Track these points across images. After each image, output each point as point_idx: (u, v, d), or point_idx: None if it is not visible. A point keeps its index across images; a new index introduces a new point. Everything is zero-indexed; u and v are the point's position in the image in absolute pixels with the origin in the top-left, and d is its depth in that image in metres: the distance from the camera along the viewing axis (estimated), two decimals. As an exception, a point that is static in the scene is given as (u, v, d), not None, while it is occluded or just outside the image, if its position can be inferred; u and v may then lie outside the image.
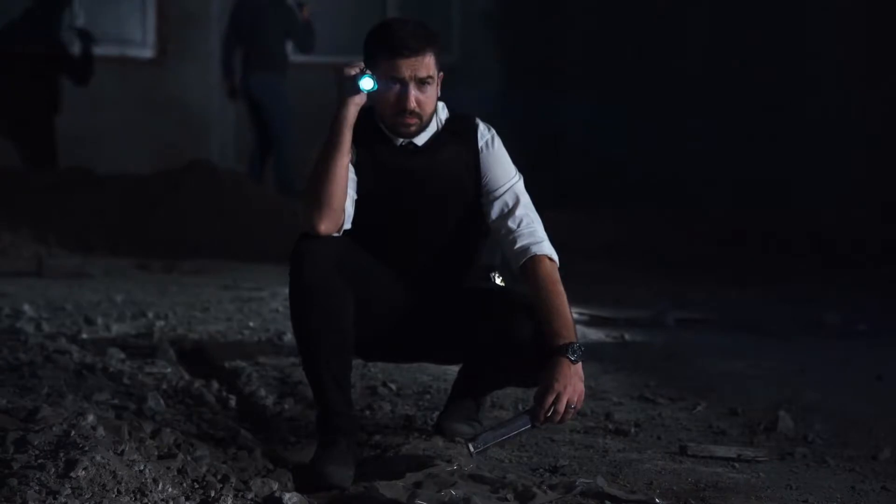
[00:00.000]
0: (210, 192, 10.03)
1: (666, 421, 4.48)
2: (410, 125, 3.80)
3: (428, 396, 4.74)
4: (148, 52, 13.08)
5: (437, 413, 4.36)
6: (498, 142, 3.92)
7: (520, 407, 4.51)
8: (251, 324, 6.26)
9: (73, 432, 3.48)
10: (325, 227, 3.71)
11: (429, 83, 3.77)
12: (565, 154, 12.61)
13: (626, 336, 6.15)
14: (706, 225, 10.22)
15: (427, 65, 3.75)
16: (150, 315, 6.43)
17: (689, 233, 10.10)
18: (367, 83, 3.68)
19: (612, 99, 12.24)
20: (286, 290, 7.19)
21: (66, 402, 4.00)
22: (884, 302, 7.39)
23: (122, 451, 3.40)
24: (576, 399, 3.62)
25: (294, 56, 11.80)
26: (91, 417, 3.62)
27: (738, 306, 7.29)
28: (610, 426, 4.34)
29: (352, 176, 3.82)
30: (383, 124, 3.84)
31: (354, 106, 3.72)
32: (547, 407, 3.60)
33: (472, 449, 3.61)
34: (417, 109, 3.77)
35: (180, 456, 3.62)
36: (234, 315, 6.55)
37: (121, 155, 12.17)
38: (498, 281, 4.04)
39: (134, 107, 12.77)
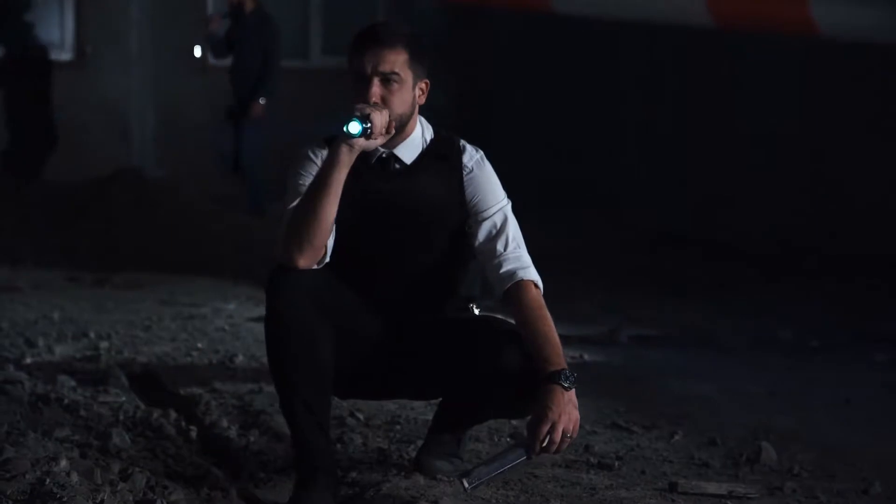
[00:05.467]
0: (139, 201, 9.77)
1: (646, 452, 4.37)
2: None
3: (398, 427, 4.59)
4: (67, 55, 12.75)
5: (411, 446, 4.24)
6: (487, 164, 3.80)
7: (495, 439, 4.39)
8: (199, 345, 6.05)
9: (47, 480, 3.34)
10: (305, 263, 3.58)
11: (395, 80, 3.60)
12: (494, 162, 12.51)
13: (585, 356, 6.03)
14: (636, 232, 10.19)
15: (392, 60, 3.60)
16: (92, 335, 6.21)
17: (622, 241, 10.05)
18: (353, 127, 3.48)
19: (539, 104, 12.20)
20: (228, 307, 7.19)
21: (29, 442, 3.81)
22: (827, 316, 7.36)
23: (102, 500, 3.25)
24: (571, 427, 3.49)
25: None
26: (63, 463, 3.48)
27: (687, 319, 7.21)
28: (592, 459, 4.21)
29: None
30: None
31: (346, 149, 3.53)
32: (542, 437, 3.48)
33: (466, 485, 3.46)
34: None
35: (158, 501, 3.46)
36: (179, 334, 6.35)
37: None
38: (477, 312, 3.92)
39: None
